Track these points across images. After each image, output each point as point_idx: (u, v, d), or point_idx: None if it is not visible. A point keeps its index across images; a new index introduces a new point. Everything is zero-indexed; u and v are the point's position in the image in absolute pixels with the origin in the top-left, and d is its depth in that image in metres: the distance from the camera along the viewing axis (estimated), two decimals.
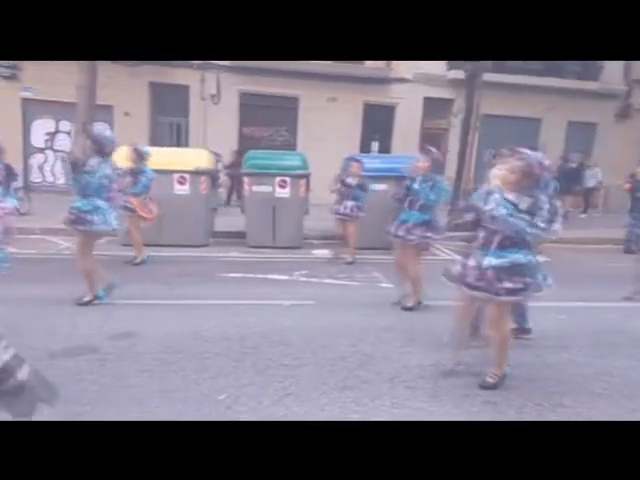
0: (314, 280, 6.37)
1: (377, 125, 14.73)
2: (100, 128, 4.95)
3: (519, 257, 3.20)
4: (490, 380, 3.51)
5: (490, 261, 3.24)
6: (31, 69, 12.72)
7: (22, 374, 0.88)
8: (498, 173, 3.29)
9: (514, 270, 3.19)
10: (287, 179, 8.21)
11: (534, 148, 3.47)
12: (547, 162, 3.21)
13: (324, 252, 7.50)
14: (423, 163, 4.95)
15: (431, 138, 14.93)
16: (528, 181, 3.14)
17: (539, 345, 4.37)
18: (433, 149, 5.11)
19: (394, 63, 13.92)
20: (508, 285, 3.20)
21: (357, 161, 7.36)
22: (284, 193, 8.26)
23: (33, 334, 4.13)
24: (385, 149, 14.55)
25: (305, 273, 6.68)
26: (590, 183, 13.76)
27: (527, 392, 3.49)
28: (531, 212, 3.13)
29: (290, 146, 14.12)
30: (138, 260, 6.84)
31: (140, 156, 6.72)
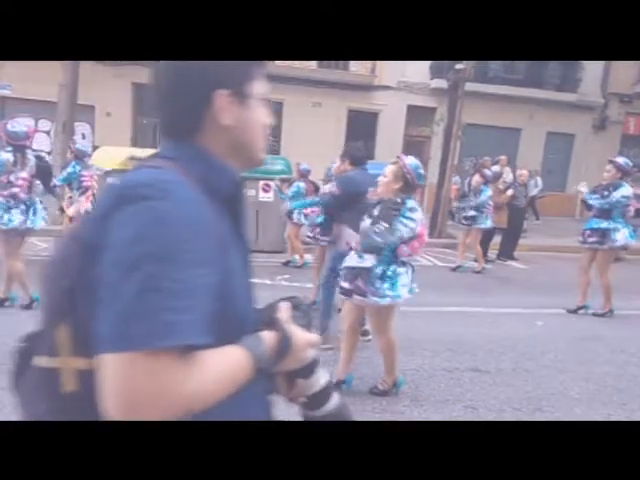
0: (296, 284, 6.37)
1: (361, 131, 14.81)
2: (12, 123, 4.80)
3: (364, 262, 3.18)
4: (380, 387, 3.47)
5: (345, 262, 3.35)
6: (10, 66, 12.49)
7: (333, 402, 0.92)
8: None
9: (353, 272, 3.22)
10: (271, 183, 8.21)
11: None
12: (420, 170, 3.28)
13: (307, 257, 7.50)
14: (338, 166, 5.12)
15: (414, 145, 15.08)
16: (401, 184, 3.19)
17: (517, 351, 4.44)
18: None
19: (378, 69, 14.05)
20: (343, 284, 3.28)
21: (297, 165, 7.59)
22: (267, 197, 8.25)
23: (11, 338, 4.04)
24: (368, 155, 14.64)
25: (287, 277, 6.68)
26: (532, 192, 13.79)
27: (506, 397, 3.54)
28: (381, 218, 3.15)
29: (274, 150, 14.12)
30: None
31: (80, 154, 6.67)
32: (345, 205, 3.99)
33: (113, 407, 0.65)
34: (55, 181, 5.36)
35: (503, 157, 10.69)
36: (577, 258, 6.03)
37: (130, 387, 0.64)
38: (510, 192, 8.49)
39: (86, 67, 9.97)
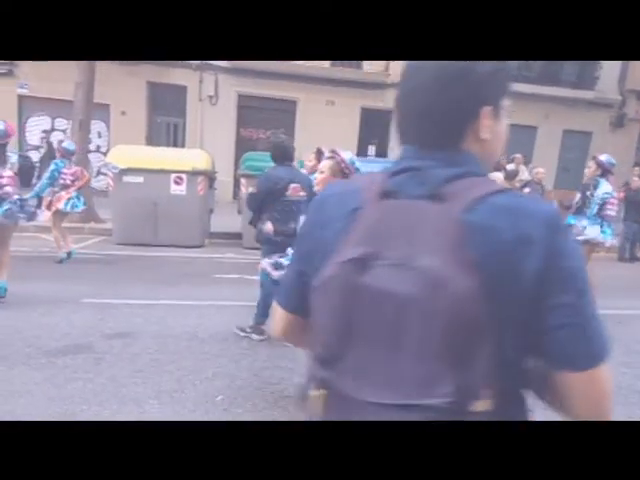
0: None
1: (374, 129, 14.78)
2: None
3: None
4: None
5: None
6: (27, 66, 12.67)
7: None
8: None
9: None
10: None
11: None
12: (357, 164, 3.22)
13: None
14: (314, 164, 5.11)
15: None
16: (339, 179, 3.15)
17: None
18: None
19: (392, 68, 13.98)
20: None
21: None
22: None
23: (30, 332, 4.11)
24: (382, 153, 14.61)
25: None
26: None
27: None
28: None
29: None
30: (58, 258, 6.72)
31: (66, 152, 6.80)
32: (264, 202, 4.03)
33: (604, 409, 0.82)
34: (36, 180, 5.39)
35: (518, 155, 10.57)
36: (594, 258, 5.95)
37: (607, 392, 0.82)
38: (527, 190, 8.41)
39: (101, 66, 10.07)
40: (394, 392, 0.71)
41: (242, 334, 4.34)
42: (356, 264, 0.73)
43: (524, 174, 9.95)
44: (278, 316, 1.00)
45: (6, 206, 4.67)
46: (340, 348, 0.75)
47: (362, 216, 0.79)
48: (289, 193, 3.99)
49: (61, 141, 7.37)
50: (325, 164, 3.20)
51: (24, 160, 4.93)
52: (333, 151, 3.22)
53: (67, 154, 6.79)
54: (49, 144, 11.43)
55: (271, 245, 3.95)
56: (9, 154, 4.79)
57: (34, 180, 5.12)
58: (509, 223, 0.74)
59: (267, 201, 4.01)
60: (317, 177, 3.28)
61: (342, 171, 3.13)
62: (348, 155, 3.19)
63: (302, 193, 4.00)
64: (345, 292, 0.73)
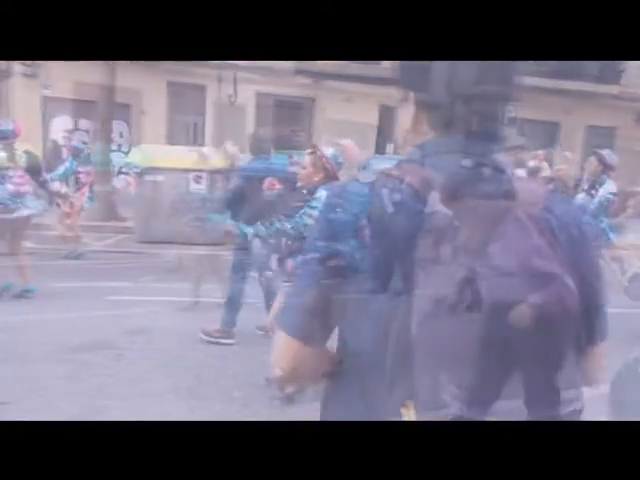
0: None
1: (393, 126, 14.69)
2: None
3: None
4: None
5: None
6: (51, 67, 12.89)
7: None
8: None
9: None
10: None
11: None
12: (340, 160, 3.15)
13: None
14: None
15: None
16: (322, 175, 3.07)
17: None
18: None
19: None
20: None
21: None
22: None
23: (52, 328, 4.19)
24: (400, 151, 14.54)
25: None
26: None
27: None
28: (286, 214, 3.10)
29: (304, 147, 14.12)
30: (67, 253, 6.85)
31: (76, 151, 7.04)
32: (241, 198, 3.96)
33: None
34: (46, 176, 5.48)
35: (540, 152, 10.39)
36: (622, 255, 5.82)
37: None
38: (550, 187, 8.28)
39: (122, 65, 10.20)
40: (538, 410, 0.67)
41: (209, 338, 4.11)
42: (468, 277, 0.64)
43: (546, 171, 9.78)
44: (286, 347, 0.83)
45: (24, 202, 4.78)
46: (471, 374, 0.65)
47: (443, 219, 0.69)
48: (265, 187, 3.92)
49: (71, 140, 7.64)
50: (306, 159, 3.16)
51: (30, 157, 5.03)
52: (314, 146, 3.20)
53: (77, 152, 7.01)
54: (54, 142, 11.79)
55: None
56: (16, 152, 4.91)
57: (40, 177, 5.21)
58: (574, 221, 0.79)
59: (244, 196, 3.93)
60: (299, 173, 3.24)
61: (323, 167, 3.07)
62: (330, 151, 3.14)
63: (278, 186, 3.93)
64: (466, 310, 0.64)
